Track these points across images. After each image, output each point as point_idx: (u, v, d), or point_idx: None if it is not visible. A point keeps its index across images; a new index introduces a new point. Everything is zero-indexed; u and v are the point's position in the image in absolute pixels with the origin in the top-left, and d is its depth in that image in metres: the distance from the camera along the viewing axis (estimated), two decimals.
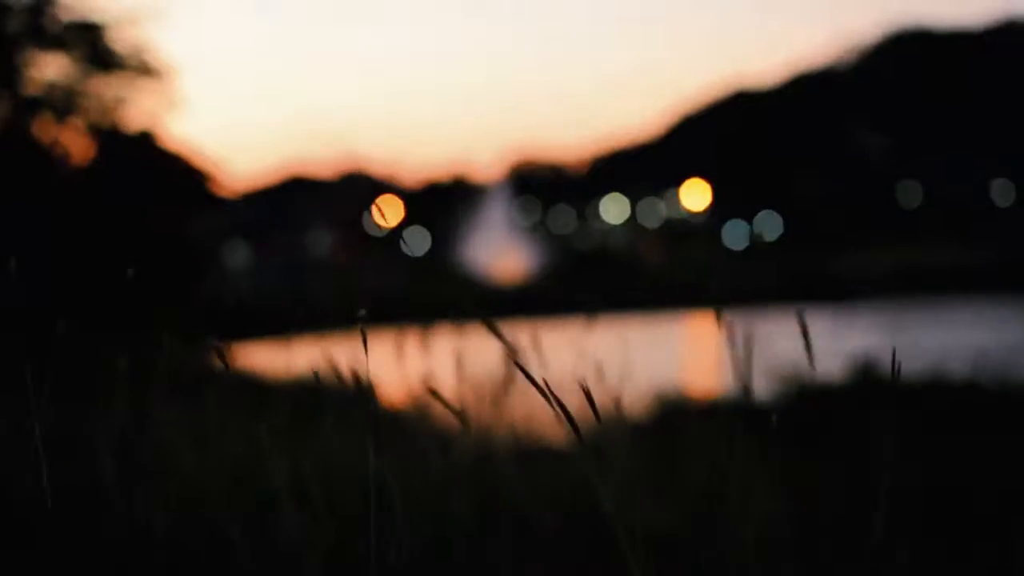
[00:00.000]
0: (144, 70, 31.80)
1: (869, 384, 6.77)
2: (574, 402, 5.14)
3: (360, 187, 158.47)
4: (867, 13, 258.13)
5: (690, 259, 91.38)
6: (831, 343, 28.59)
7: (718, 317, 3.60)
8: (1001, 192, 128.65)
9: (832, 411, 6.43)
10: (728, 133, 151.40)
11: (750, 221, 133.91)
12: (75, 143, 32.36)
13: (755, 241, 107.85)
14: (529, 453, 4.44)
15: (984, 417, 5.77)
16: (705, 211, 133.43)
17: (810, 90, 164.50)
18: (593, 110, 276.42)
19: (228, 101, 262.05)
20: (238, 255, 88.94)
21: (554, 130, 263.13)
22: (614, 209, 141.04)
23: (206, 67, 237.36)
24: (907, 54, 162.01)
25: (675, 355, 25.71)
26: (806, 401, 6.81)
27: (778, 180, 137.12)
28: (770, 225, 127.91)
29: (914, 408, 5.95)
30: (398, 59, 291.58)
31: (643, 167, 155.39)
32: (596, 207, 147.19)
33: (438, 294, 50.40)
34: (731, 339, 3.73)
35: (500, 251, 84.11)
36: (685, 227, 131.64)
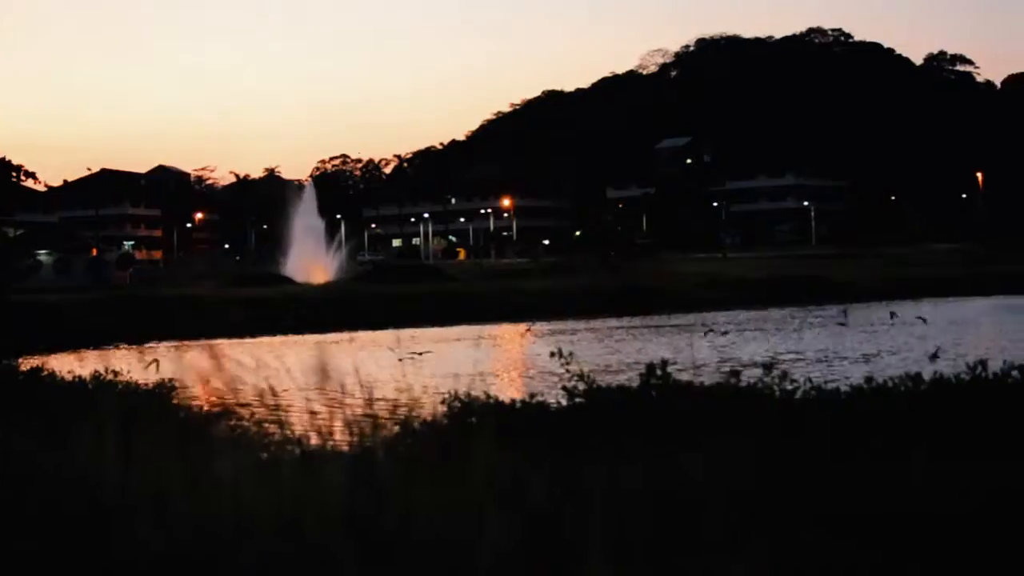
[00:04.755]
0: None
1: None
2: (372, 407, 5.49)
3: (170, 182, 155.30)
4: (676, 21, 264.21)
5: (509, 265, 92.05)
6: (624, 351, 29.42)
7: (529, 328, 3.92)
8: (801, 197, 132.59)
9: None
10: (537, 138, 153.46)
11: (560, 225, 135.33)
12: None
13: (559, 249, 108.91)
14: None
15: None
16: (513, 217, 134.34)
17: (618, 93, 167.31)
18: (405, 116, 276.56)
19: (38, 102, 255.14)
20: (45, 255, 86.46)
21: (366, 135, 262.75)
22: (425, 214, 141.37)
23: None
24: (716, 61, 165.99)
25: (484, 361, 26.24)
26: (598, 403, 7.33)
27: (590, 186, 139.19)
28: (579, 231, 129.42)
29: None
30: (215, 64, 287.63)
31: (454, 170, 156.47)
32: (407, 211, 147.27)
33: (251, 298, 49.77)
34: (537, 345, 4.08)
35: (310, 253, 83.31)
36: (495, 233, 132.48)
